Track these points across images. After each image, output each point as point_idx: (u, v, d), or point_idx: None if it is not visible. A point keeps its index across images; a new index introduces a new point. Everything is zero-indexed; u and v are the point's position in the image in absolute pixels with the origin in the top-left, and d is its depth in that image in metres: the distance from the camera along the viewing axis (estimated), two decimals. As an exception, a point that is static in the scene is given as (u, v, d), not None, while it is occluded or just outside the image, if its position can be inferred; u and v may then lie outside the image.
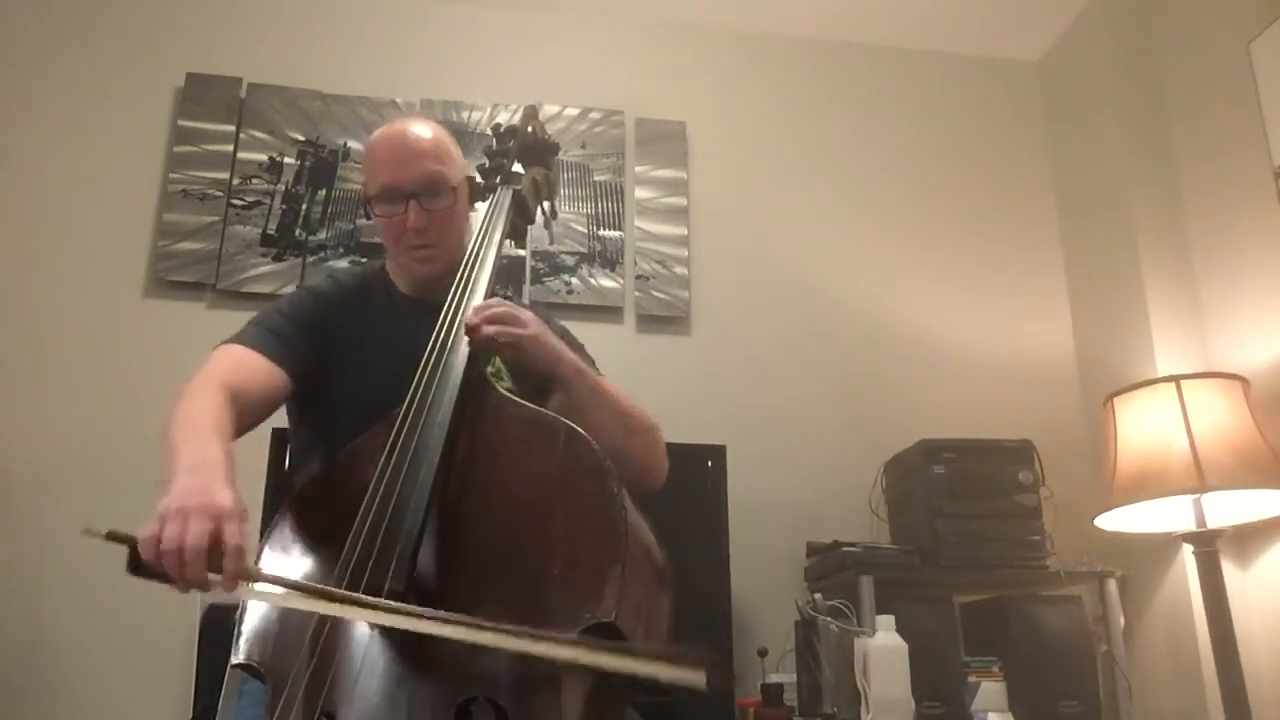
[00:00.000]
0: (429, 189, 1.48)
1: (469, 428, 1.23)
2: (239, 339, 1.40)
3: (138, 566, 0.99)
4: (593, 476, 1.13)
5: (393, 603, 1.03)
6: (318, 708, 1.02)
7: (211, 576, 0.99)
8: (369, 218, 1.62)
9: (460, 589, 1.09)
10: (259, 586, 1.05)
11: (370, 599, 1.04)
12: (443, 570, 1.12)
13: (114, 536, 0.99)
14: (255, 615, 1.17)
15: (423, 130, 1.53)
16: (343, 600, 1.04)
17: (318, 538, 1.21)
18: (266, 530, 1.25)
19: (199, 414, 1.19)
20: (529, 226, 1.70)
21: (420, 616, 1.00)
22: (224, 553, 0.98)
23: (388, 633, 1.05)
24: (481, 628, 0.97)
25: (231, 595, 1.03)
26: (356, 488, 1.17)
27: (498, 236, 1.52)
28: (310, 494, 1.28)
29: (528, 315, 1.36)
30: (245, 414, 1.29)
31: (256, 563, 1.20)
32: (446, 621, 0.98)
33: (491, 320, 1.31)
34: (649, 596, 1.14)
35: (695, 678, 0.90)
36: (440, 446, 1.17)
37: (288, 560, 1.21)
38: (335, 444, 1.30)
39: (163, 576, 0.99)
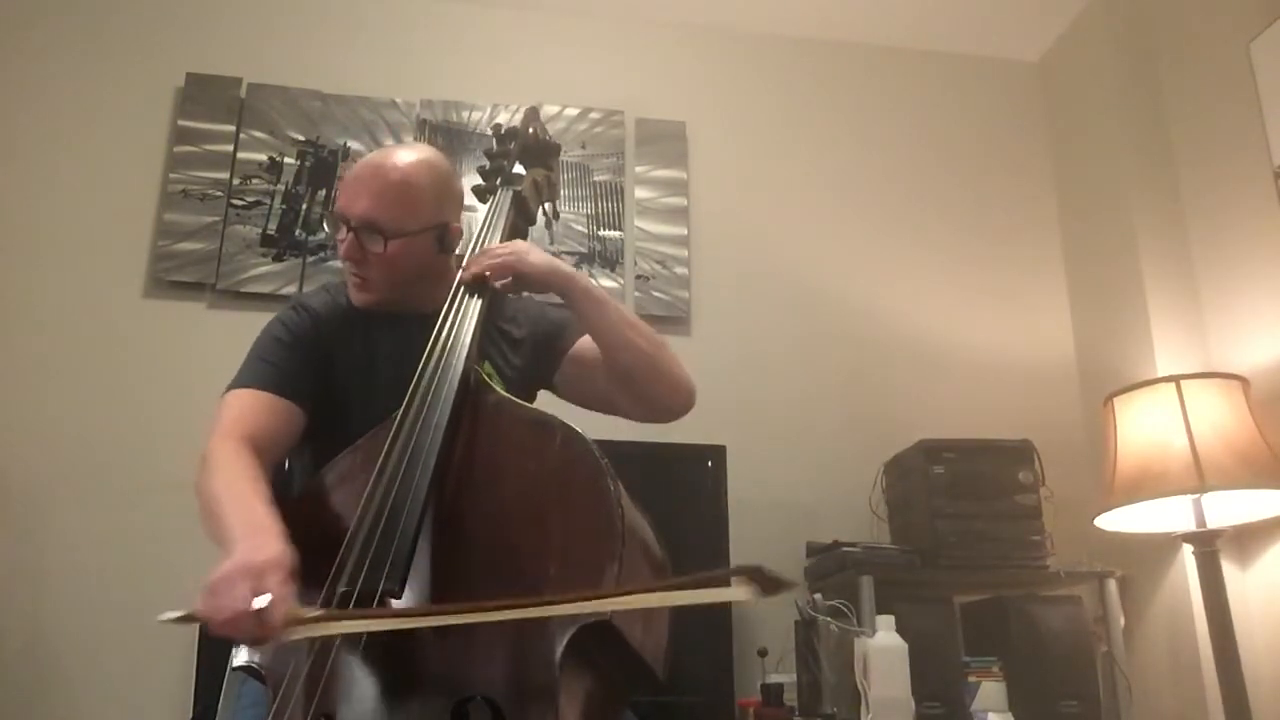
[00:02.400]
0: (366, 227, 1.42)
1: (466, 429, 1.23)
2: (244, 380, 1.39)
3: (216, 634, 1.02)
4: (589, 476, 1.13)
5: (433, 613, 1.04)
6: (313, 707, 1.02)
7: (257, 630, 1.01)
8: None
9: (456, 590, 1.09)
10: (306, 629, 1.04)
11: (405, 608, 1.06)
12: (439, 571, 1.12)
13: (186, 619, 1.03)
14: None
15: (399, 166, 1.45)
16: (385, 617, 1.05)
17: (317, 540, 1.21)
18: None
19: (234, 480, 1.21)
20: (530, 228, 1.70)
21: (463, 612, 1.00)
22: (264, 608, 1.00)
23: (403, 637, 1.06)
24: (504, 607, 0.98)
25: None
26: (355, 490, 1.17)
27: (498, 238, 1.52)
28: (310, 496, 1.28)
29: (517, 244, 1.44)
30: (268, 460, 1.31)
31: None
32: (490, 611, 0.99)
33: (477, 263, 1.41)
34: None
35: (742, 593, 0.86)
36: (437, 448, 1.18)
37: None
38: (336, 451, 1.31)
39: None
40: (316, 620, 1.03)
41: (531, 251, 1.44)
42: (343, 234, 1.44)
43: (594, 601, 0.98)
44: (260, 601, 0.99)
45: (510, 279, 1.42)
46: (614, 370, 1.47)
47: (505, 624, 0.98)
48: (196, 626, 2.22)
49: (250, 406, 1.35)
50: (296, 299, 1.55)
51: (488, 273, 1.41)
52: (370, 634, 1.06)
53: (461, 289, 1.42)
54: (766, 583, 0.86)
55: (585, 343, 1.52)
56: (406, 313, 1.47)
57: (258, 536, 1.08)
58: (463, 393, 1.26)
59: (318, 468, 1.37)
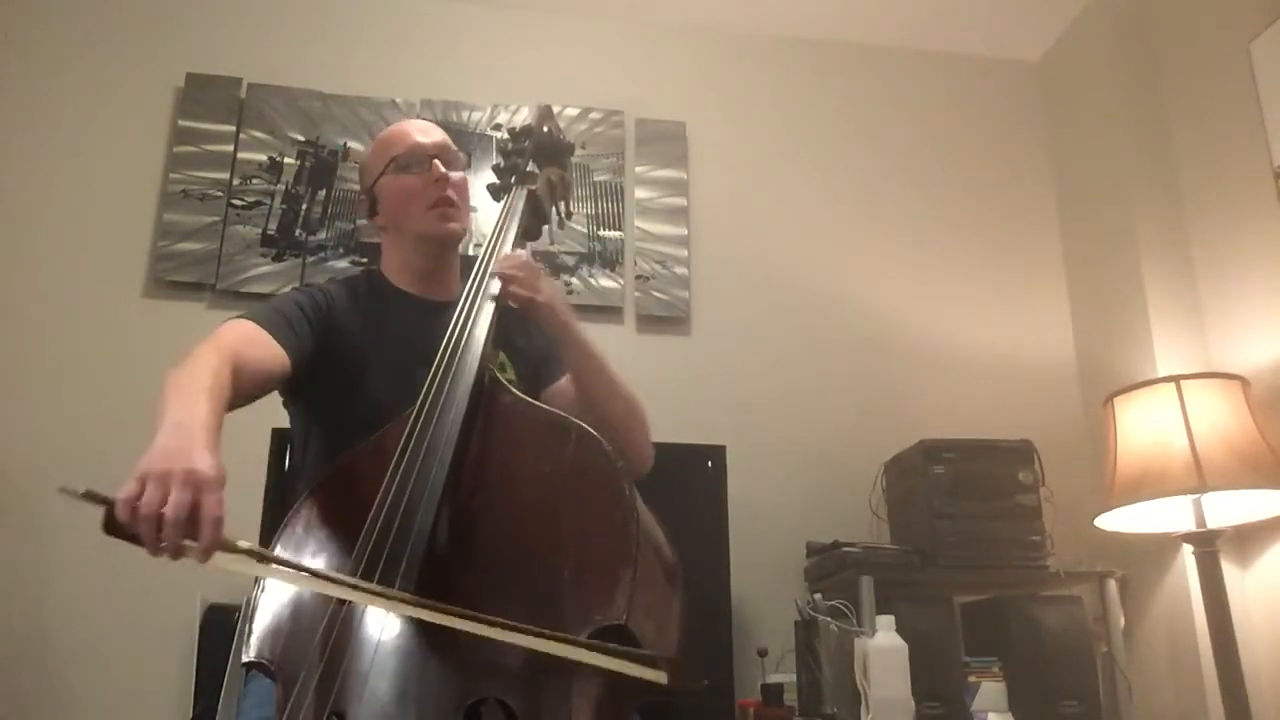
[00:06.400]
0: (448, 153, 1.59)
1: (482, 428, 1.23)
2: (250, 315, 1.40)
3: (112, 527, 0.96)
4: (605, 478, 1.13)
5: (380, 587, 1.03)
6: (328, 707, 1.02)
7: (186, 544, 0.95)
8: (372, 213, 1.62)
9: (471, 589, 1.09)
10: (229, 560, 1.00)
11: (355, 580, 1.04)
12: (453, 570, 1.12)
13: (90, 496, 0.95)
14: (267, 613, 1.17)
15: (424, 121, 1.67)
16: (329, 581, 1.04)
17: (331, 535, 1.21)
18: (281, 526, 1.25)
19: (197, 374, 1.18)
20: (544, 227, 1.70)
21: (409, 602, 1.00)
22: (201, 523, 0.95)
23: (418, 628, 1.05)
24: (463, 616, 0.98)
25: (204, 567, 0.99)
26: (369, 486, 1.17)
27: (511, 236, 1.53)
28: (325, 491, 1.28)
29: (546, 283, 1.45)
30: (245, 386, 1.27)
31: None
32: (430, 608, 1.00)
33: (511, 278, 1.42)
34: (660, 598, 1.14)
35: (656, 676, 0.93)
36: (452, 446, 1.18)
37: (301, 557, 1.21)
38: (346, 447, 1.31)
39: (136, 539, 0.96)
40: (244, 553, 0.99)
41: (554, 303, 1.46)
42: (424, 168, 1.55)
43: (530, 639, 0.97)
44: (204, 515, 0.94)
45: (525, 305, 1.44)
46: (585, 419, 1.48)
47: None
48: (197, 624, 2.24)
49: (246, 334, 1.35)
50: (313, 284, 1.60)
51: (513, 289, 1.42)
52: (383, 634, 1.06)
53: (475, 287, 1.43)
54: (676, 674, 0.94)
55: (561, 387, 1.56)
56: (425, 297, 1.55)
57: (196, 440, 1.02)
58: (477, 391, 1.26)
59: (327, 450, 1.37)
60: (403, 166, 1.56)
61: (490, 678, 1.02)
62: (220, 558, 0.97)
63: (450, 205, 1.55)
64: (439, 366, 1.29)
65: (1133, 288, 2.79)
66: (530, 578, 1.10)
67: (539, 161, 1.67)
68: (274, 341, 1.37)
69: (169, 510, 0.94)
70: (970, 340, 3.05)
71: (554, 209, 1.69)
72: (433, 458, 1.17)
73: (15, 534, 2.47)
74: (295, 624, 1.13)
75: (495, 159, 1.70)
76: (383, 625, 1.07)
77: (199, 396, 1.12)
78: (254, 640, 1.15)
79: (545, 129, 1.69)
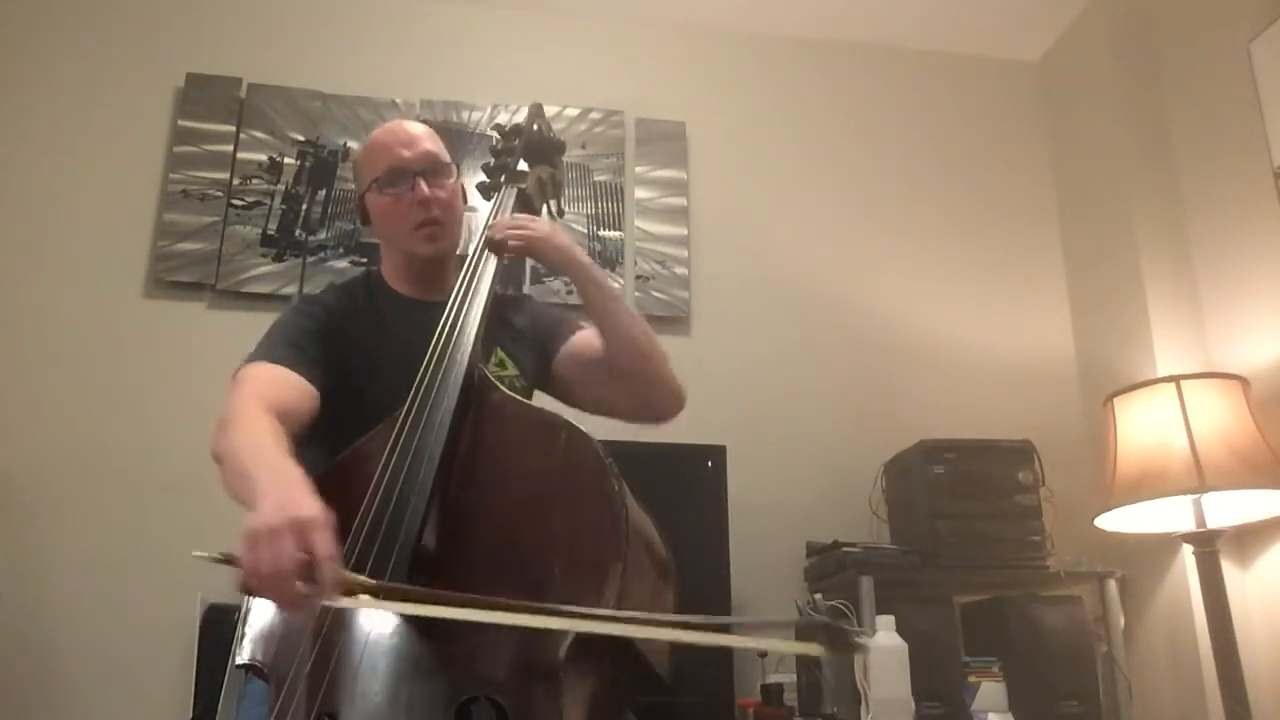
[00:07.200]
0: (433, 166, 1.53)
1: (471, 427, 1.23)
2: (267, 356, 1.38)
3: (249, 589, 0.96)
4: (594, 475, 1.13)
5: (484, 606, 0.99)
6: (317, 706, 1.02)
7: (306, 589, 0.94)
8: (364, 221, 1.62)
9: (460, 587, 1.09)
10: (351, 601, 0.99)
11: (464, 596, 1.00)
12: (443, 568, 1.12)
13: (226, 559, 0.95)
14: (260, 615, 1.17)
15: (413, 124, 1.62)
16: (437, 603, 1.00)
17: None
18: None
19: (260, 438, 1.17)
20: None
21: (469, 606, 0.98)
22: (316, 565, 0.94)
23: (408, 627, 1.05)
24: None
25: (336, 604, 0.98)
26: (359, 486, 1.17)
27: None
28: (316, 490, 1.28)
29: (540, 222, 1.47)
30: (289, 434, 1.26)
31: None
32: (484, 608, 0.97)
33: (504, 228, 1.44)
34: (651, 594, 1.14)
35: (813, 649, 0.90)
36: (441, 445, 1.18)
37: None
38: (350, 439, 1.31)
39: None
40: (367, 589, 0.98)
41: (555, 234, 1.50)
42: (406, 187, 1.50)
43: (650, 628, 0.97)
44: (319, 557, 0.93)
45: (523, 250, 1.47)
46: (614, 365, 1.50)
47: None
48: (197, 624, 2.24)
49: (275, 379, 1.34)
50: (311, 296, 1.58)
51: (511, 242, 1.45)
52: (373, 633, 1.05)
53: (468, 274, 1.43)
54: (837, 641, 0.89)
55: (580, 339, 1.57)
56: (424, 299, 1.54)
57: (294, 491, 1.03)
58: (466, 390, 1.26)
59: (328, 455, 1.37)
60: (385, 186, 1.53)
61: (481, 676, 1.02)
62: (342, 599, 0.97)
63: (435, 224, 1.52)
64: (428, 366, 1.29)
65: (1133, 288, 2.79)
66: (520, 575, 1.10)
67: (529, 160, 1.67)
68: (301, 380, 1.36)
69: (282, 564, 0.93)
70: (970, 340, 3.05)
71: (545, 207, 1.69)
72: (421, 457, 1.17)
73: (15, 534, 2.47)
74: (287, 625, 1.13)
75: (484, 159, 1.69)
76: (373, 624, 1.07)
77: (278, 457, 1.12)
78: (247, 642, 1.15)
79: (535, 127, 1.69)
